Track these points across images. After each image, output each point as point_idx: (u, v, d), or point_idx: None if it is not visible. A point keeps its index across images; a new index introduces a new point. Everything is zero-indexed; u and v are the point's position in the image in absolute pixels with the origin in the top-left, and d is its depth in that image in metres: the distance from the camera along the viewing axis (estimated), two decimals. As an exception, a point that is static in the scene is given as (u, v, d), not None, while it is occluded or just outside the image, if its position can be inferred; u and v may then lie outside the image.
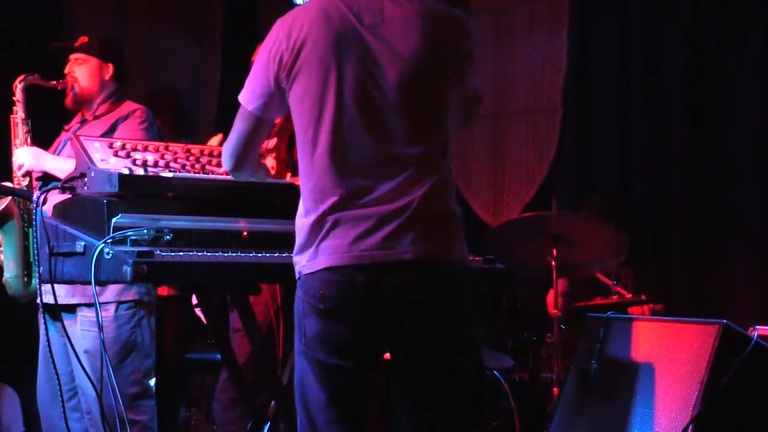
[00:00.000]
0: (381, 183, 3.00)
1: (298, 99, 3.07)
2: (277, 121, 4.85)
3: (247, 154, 3.28)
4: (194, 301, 4.94)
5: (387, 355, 3.20)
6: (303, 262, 3.05)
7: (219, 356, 4.93)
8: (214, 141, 4.65)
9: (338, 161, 3.00)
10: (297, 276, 3.09)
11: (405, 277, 2.99)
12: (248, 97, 3.17)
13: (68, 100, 4.96)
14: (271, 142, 4.83)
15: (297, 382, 3.10)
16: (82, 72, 4.95)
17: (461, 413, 3.13)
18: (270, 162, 4.58)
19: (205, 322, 4.71)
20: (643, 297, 6.00)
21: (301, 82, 3.05)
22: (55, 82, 4.92)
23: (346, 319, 3.00)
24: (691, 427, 4.00)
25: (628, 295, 5.99)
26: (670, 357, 4.24)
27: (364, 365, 3.10)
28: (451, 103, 3.14)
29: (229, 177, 3.63)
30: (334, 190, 3.00)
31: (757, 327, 4.23)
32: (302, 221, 3.07)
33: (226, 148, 3.30)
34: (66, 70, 4.97)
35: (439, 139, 3.11)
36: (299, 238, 3.08)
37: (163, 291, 5.72)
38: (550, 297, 5.92)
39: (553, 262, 5.46)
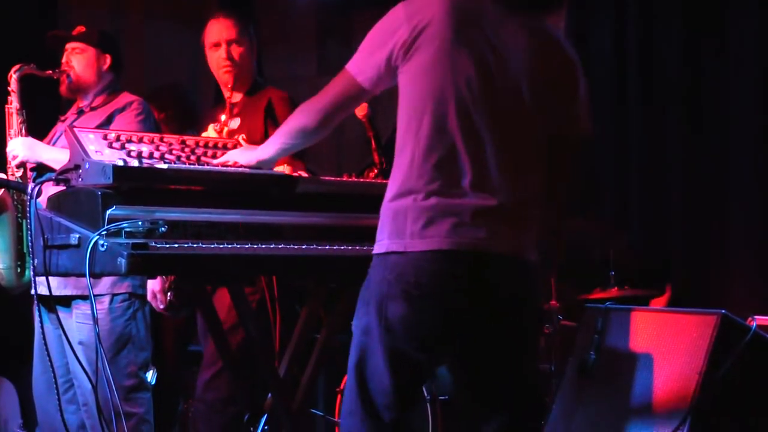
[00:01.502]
0: (483, 178, 3.01)
1: (409, 78, 3.08)
2: (237, 101, 4.86)
3: (335, 116, 3.30)
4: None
5: None
6: (392, 240, 3.03)
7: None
8: (210, 132, 4.64)
9: (447, 146, 3.01)
10: (382, 252, 3.06)
11: (496, 271, 3.03)
12: (359, 66, 3.18)
13: (63, 88, 4.94)
14: (234, 122, 4.79)
15: (355, 360, 3.09)
16: (79, 61, 4.93)
17: (521, 409, 3.17)
18: None
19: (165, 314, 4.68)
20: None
21: (415, 61, 3.06)
22: (50, 72, 4.90)
23: (437, 307, 3.00)
24: (689, 417, 4.00)
25: (627, 288, 5.97)
26: (668, 347, 4.24)
27: (438, 355, 3.13)
28: (550, 123, 3.16)
29: (225, 168, 3.63)
30: (439, 175, 3.00)
31: (755, 317, 4.24)
32: (397, 201, 3.05)
33: (314, 104, 3.30)
34: (63, 59, 4.95)
35: (539, 150, 3.14)
36: (392, 216, 3.05)
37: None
38: None
39: (552, 253, 5.45)
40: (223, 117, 4.65)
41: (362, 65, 3.18)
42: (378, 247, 3.08)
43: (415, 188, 3.01)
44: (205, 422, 4.71)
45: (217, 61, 4.88)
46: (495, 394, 3.15)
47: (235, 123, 4.76)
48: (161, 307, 4.55)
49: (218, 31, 4.91)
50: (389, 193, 3.09)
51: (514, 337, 3.11)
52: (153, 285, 4.53)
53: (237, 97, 4.86)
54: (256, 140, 4.28)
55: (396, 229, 3.02)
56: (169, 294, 4.48)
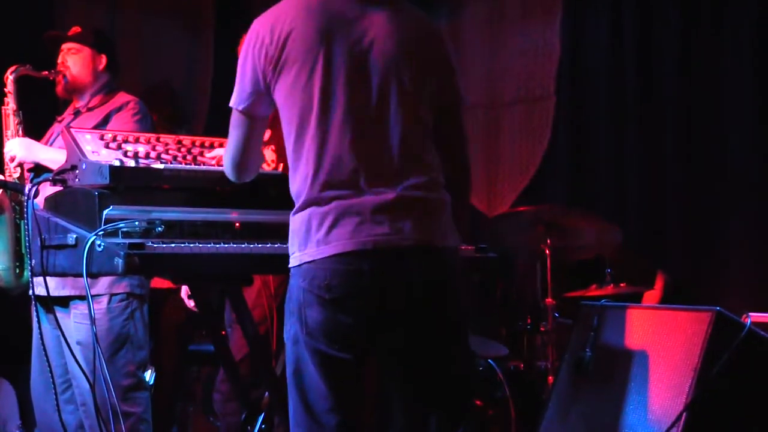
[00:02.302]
0: (376, 173, 3.03)
1: (285, 91, 3.08)
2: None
3: (248, 159, 3.30)
4: (184, 292, 4.92)
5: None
6: (303, 251, 3.05)
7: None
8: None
9: (331, 153, 3.02)
10: (295, 265, 3.08)
11: (406, 263, 3.03)
12: (237, 97, 3.19)
13: (59, 89, 4.94)
14: (266, 134, 4.82)
15: (292, 371, 3.10)
16: (75, 61, 4.93)
17: (455, 400, 3.18)
18: (269, 155, 4.58)
19: (196, 310, 4.71)
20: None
21: (288, 74, 3.06)
22: (47, 72, 4.90)
23: (351, 308, 3.01)
24: (685, 414, 4.01)
25: (623, 285, 5.98)
26: (663, 344, 4.24)
27: (365, 353, 3.12)
28: (430, 99, 3.18)
29: (221, 168, 3.63)
30: (330, 181, 3.01)
31: (750, 314, 4.25)
32: (299, 212, 3.07)
33: (226, 159, 3.32)
34: (59, 60, 4.95)
35: (424, 130, 3.15)
36: (297, 228, 3.08)
37: (164, 284, 5.72)
38: None
39: (548, 251, 5.47)
40: None
41: (240, 95, 3.18)
42: (291, 261, 3.10)
43: (314, 198, 3.03)
44: (220, 410, 4.88)
45: None
46: (426, 387, 3.14)
47: (267, 135, 4.79)
48: (191, 304, 4.59)
49: None
50: (295, 207, 3.11)
51: (437, 327, 3.11)
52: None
53: None
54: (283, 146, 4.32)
55: (303, 240, 3.05)
56: None
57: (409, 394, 3.16)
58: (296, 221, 3.09)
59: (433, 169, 3.14)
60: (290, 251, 3.11)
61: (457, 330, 3.19)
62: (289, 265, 3.11)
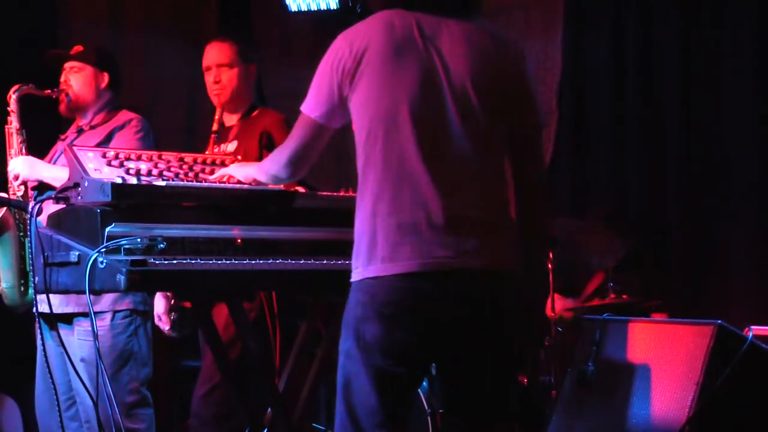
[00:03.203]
0: (445, 192, 3.04)
1: (360, 103, 3.11)
2: (234, 124, 4.90)
3: (306, 161, 3.35)
4: (156, 318, 4.87)
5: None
6: (366, 267, 3.06)
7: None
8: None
9: (400, 170, 3.04)
10: (358, 279, 3.09)
11: (468, 285, 3.05)
12: (311, 105, 3.22)
13: (62, 107, 4.96)
14: (231, 146, 4.84)
15: (342, 384, 3.11)
16: (77, 80, 4.95)
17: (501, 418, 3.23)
18: None
19: (172, 335, 4.71)
20: (654, 302, 6.01)
21: (362, 86, 3.09)
22: (49, 91, 4.92)
23: (408, 325, 3.03)
24: (687, 427, 4.01)
25: (624, 296, 5.99)
26: (665, 358, 4.25)
27: (418, 371, 3.16)
28: (503, 121, 3.18)
29: (223, 185, 3.65)
30: (394, 199, 3.03)
31: (752, 327, 4.25)
32: (366, 226, 3.08)
33: (281, 155, 3.36)
34: (61, 79, 4.97)
35: (495, 151, 3.16)
36: (363, 243, 3.09)
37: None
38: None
39: (550, 265, 5.48)
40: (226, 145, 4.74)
41: (314, 103, 3.22)
42: (354, 275, 3.11)
43: (381, 214, 3.04)
44: None
45: (209, 84, 4.99)
46: (476, 407, 3.17)
47: (232, 146, 4.81)
48: (166, 329, 4.59)
49: (210, 56, 5.02)
50: (358, 220, 3.12)
51: (493, 350, 3.13)
52: (157, 308, 4.57)
53: (233, 119, 4.94)
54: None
55: (368, 257, 3.06)
56: (172, 314, 4.51)
57: (458, 414, 3.20)
58: (361, 236, 3.10)
59: (501, 192, 3.16)
60: (353, 266, 3.12)
61: (510, 354, 3.21)
62: (351, 279, 3.12)
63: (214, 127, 4.73)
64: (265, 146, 4.71)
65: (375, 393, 3.05)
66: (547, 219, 3.37)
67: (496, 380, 3.16)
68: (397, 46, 3.08)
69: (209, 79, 4.99)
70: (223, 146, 4.80)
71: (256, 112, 5.00)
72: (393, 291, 3.01)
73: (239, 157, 4.30)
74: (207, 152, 4.51)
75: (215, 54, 5.01)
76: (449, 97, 3.08)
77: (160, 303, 4.65)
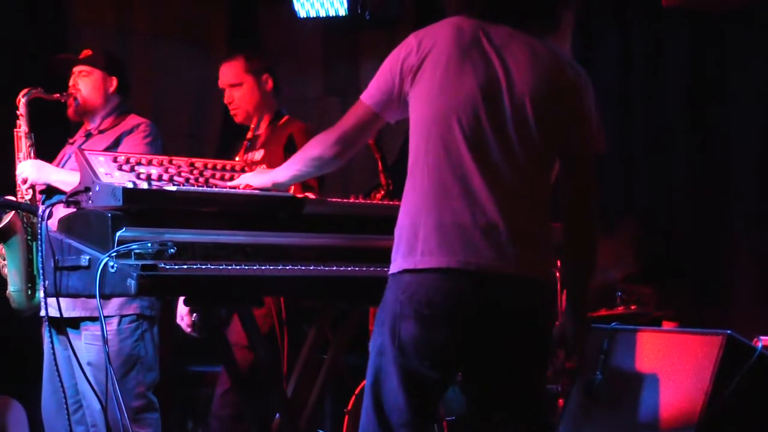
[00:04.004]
0: (492, 196, 3.04)
1: (419, 101, 3.14)
2: (262, 132, 4.91)
3: (351, 146, 3.35)
4: (179, 318, 4.88)
5: None
6: (405, 258, 3.07)
7: (219, 369, 4.94)
8: None
9: (449, 169, 3.05)
10: (396, 271, 3.10)
11: (507, 290, 3.05)
12: (370, 93, 3.25)
13: (70, 111, 4.97)
14: (258, 154, 4.84)
15: (371, 382, 3.11)
16: (86, 84, 4.96)
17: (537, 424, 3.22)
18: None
19: (194, 335, 4.70)
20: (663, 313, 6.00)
21: (423, 83, 3.12)
22: (58, 95, 4.92)
23: (447, 326, 3.03)
24: (695, 437, 4.01)
25: (633, 307, 5.98)
26: (674, 368, 4.24)
27: (450, 375, 3.16)
28: (555, 142, 3.18)
29: (233, 190, 3.65)
30: (446, 195, 3.05)
31: (761, 337, 4.24)
32: (410, 219, 3.09)
33: (330, 135, 3.35)
34: (70, 83, 4.98)
35: (542, 168, 3.18)
36: (404, 235, 3.10)
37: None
38: None
39: (557, 273, 5.46)
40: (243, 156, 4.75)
41: (374, 92, 3.25)
42: (392, 267, 3.12)
43: (426, 209, 3.05)
44: None
45: (228, 100, 5.11)
46: (504, 413, 3.17)
47: (259, 154, 4.82)
48: (188, 329, 4.60)
49: (222, 77, 5.15)
50: (402, 214, 3.13)
51: (524, 357, 3.13)
52: (180, 308, 4.57)
53: (261, 128, 4.96)
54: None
55: (408, 249, 3.07)
56: (194, 315, 4.51)
57: (485, 418, 3.20)
58: (403, 229, 3.11)
59: (545, 208, 3.17)
60: (393, 258, 3.13)
61: (544, 360, 3.23)
62: (389, 272, 3.12)
63: (249, 135, 4.72)
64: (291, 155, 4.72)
65: (404, 392, 3.05)
66: (593, 243, 3.32)
67: (527, 389, 3.17)
68: (463, 49, 3.11)
69: (225, 99, 5.11)
70: (250, 155, 4.81)
71: (283, 120, 5.04)
72: (433, 291, 3.01)
73: (264, 167, 4.31)
74: (237, 159, 4.52)
75: (225, 75, 5.12)
76: (508, 107, 3.09)
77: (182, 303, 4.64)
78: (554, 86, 3.16)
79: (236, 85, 5.06)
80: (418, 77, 3.13)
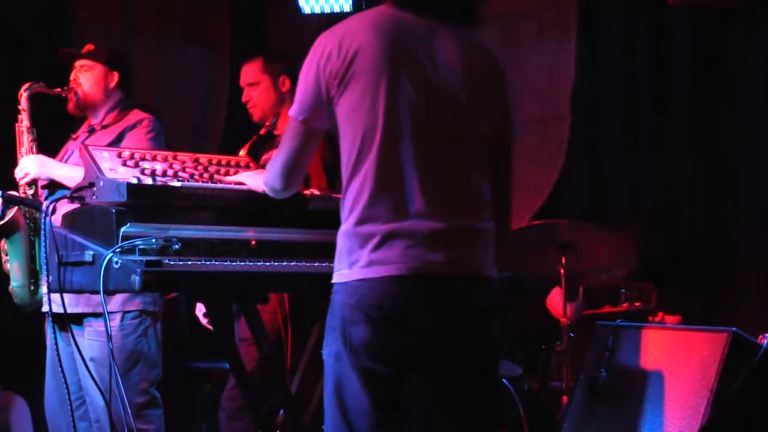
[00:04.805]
0: (434, 199, 3.02)
1: (348, 109, 3.06)
2: (280, 131, 4.91)
3: (298, 170, 3.28)
4: (198, 310, 4.93)
5: None
6: (351, 270, 3.04)
7: (225, 365, 4.95)
8: None
9: (391, 174, 3.01)
10: (342, 281, 3.06)
11: (457, 290, 3.04)
12: (298, 108, 3.16)
13: (71, 106, 4.96)
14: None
15: (332, 388, 3.09)
16: (87, 78, 4.95)
17: (488, 422, 3.21)
18: None
19: (210, 329, 4.71)
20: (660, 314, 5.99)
21: (352, 91, 3.04)
22: (59, 89, 4.92)
23: (398, 328, 3.01)
24: (701, 435, 4.00)
25: (637, 304, 5.97)
26: (679, 365, 4.24)
27: (407, 372, 3.12)
28: (488, 131, 3.17)
29: (237, 186, 3.64)
30: (384, 201, 3.01)
31: (766, 335, 4.23)
32: (350, 228, 3.05)
33: (274, 167, 3.29)
34: (71, 77, 4.97)
35: (481, 160, 3.15)
36: (346, 244, 3.06)
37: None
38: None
39: (562, 270, 5.46)
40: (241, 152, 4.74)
41: (301, 106, 3.15)
42: (337, 277, 3.08)
43: (368, 217, 3.01)
44: (226, 429, 4.87)
45: (248, 99, 5.20)
46: (459, 411, 3.14)
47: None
48: (206, 321, 4.60)
49: (241, 76, 5.24)
50: (343, 223, 3.09)
51: (477, 353, 3.12)
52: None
53: (280, 128, 4.96)
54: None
55: (353, 258, 3.03)
56: None
57: (445, 415, 3.17)
58: (346, 238, 3.07)
59: (486, 201, 3.15)
60: (337, 268, 3.09)
61: (495, 357, 3.25)
62: (334, 281, 3.09)
63: (262, 131, 4.72)
64: None
65: (367, 395, 3.02)
66: (509, 231, 3.37)
67: (482, 385, 3.16)
68: (390, 49, 3.04)
69: (243, 98, 5.21)
70: (267, 155, 4.81)
71: None
72: (383, 294, 2.98)
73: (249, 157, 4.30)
74: (241, 152, 4.50)
75: (244, 74, 5.22)
76: (442, 103, 3.07)
77: None
78: (483, 77, 3.15)
79: (253, 84, 5.14)
80: (345, 84, 3.04)
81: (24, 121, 4.85)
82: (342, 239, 3.09)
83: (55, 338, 4.02)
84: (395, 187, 3.01)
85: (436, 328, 3.04)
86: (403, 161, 3.01)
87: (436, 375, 3.14)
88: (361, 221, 3.02)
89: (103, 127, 4.92)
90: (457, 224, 3.03)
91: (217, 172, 3.78)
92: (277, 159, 3.28)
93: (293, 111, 3.17)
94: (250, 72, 5.17)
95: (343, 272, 3.06)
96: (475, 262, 3.07)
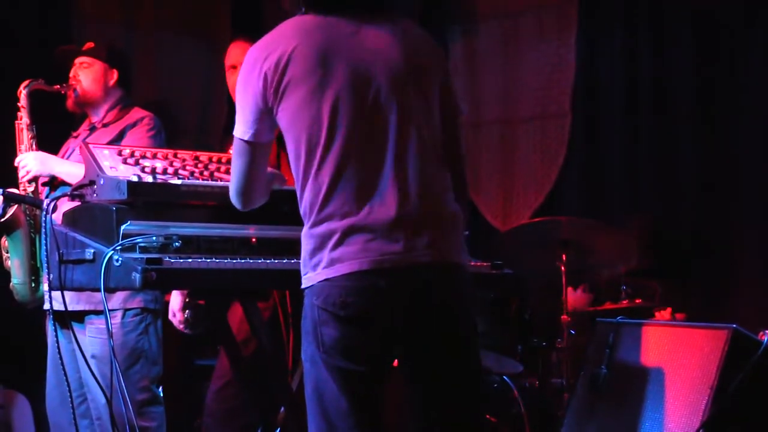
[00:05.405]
0: (389, 189, 3.02)
1: (291, 114, 3.05)
2: None
3: (253, 188, 3.27)
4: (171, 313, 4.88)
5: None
6: (315, 272, 3.04)
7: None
8: None
9: (340, 171, 3.01)
10: (308, 284, 3.07)
11: (421, 280, 3.03)
12: (242, 128, 3.15)
13: (69, 103, 4.96)
14: None
15: (311, 390, 3.09)
16: (86, 75, 4.95)
17: (471, 412, 3.18)
18: None
19: (186, 332, 4.69)
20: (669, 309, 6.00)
21: (291, 97, 3.04)
22: (59, 86, 4.92)
23: (367, 324, 3.01)
24: (701, 431, 3.99)
25: (638, 300, 5.98)
26: (680, 362, 4.24)
27: (382, 370, 3.12)
28: (437, 111, 3.18)
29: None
30: (339, 200, 3.01)
31: (767, 331, 4.23)
32: (310, 231, 3.06)
33: (231, 188, 3.29)
34: (71, 74, 4.97)
35: (435, 143, 3.14)
36: (308, 247, 3.07)
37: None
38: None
39: (563, 267, 5.46)
40: None
41: (244, 124, 3.15)
42: (304, 282, 3.09)
43: (325, 216, 3.02)
44: None
45: (231, 84, 4.93)
46: (438, 401, 3.13)
47: None
48: (180, 325, 4.59)
49: (235, 55, 4.96)
50: (304, 226, 3.10)
51: (450, 344, 3.11)
52: (172, 304, 4.56)
53: None
54: (272, 164, 4.31)
55: (316, 260, 3.04)
56: (186, 312, 4.50)
57: (421, 407, 3.16)
58: (308, 241, 3.08)
59: (445, 184, 3.15)
60: (303, 272, 3.10)
61: (469, 345, 3.19)
62: (302, 286, 3.10)
63: None
64: (283, 148, 4.70)
65: (344, 395, 3.03)
66: (467, 207, 3.34)
67: (456, 374, 3.13)
68: (320, 50, 3.03)
69: (233, 78, 4.92)
70: None
71: None
72: (346, 292, 2.98)
73: None
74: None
75: (240, 53, 4.92)
76: (382, 92, 3.06)
77: (176, 299, 4.63)
78: (421, 57, 3.16)
79: (234, 67, 4.93)
80: (283, 91, 3.04)
81: (23, 118, 4.86)
82: (304, 242, 3.10)
83: (56, 336, 4.02)
84: (347, 184, 3.00)
85: (403, 319, 3.03)
86: (351, 157, 3.01)
87: (408, 367, 3.14)
88: (319, 222, 3.03)
89: (104, 125, 4.92)
90: (414, 211, 3.02)
91: (218, 169, 3.77)
92: (232, 182, 3.28)
93: (237, 131, 3.16)
94: (233, 53, 5.00)
95: (309, 275, 3.07)
96: (439, 249, 3.05)
